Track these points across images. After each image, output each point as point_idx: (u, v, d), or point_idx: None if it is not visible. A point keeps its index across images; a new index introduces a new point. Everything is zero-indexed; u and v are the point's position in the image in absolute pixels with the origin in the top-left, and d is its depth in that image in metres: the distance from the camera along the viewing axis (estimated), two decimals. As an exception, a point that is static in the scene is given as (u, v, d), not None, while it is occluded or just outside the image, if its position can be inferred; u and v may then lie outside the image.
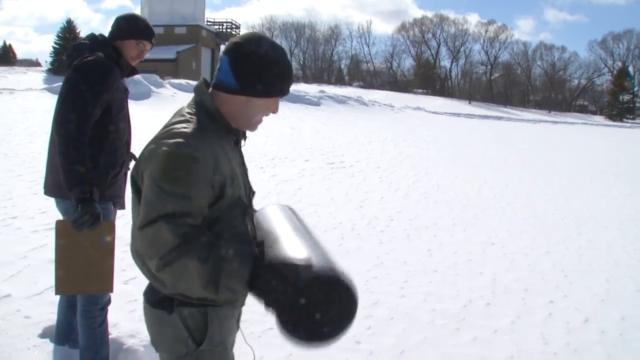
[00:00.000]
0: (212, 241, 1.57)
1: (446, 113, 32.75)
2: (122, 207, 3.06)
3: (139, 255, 1.68)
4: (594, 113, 74.46)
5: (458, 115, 32.69)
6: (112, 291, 2.88)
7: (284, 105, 20.90)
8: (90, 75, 2.70)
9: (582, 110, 76.41)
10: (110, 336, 3.22)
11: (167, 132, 1.62)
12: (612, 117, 61.91)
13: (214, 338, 1.74)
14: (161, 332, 1.77)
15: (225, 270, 1.55)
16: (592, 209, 8.81)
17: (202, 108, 1.71)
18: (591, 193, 10.35)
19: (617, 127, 37.05)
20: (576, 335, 4.07)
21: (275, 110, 1.78)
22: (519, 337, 3.97)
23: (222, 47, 1.60)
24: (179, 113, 1.73)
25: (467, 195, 9.07)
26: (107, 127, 2.81)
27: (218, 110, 1.70)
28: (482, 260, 5.74)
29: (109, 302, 3.05)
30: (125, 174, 3.05)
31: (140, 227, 1.56)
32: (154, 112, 15.87)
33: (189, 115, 1.68)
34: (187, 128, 1.61)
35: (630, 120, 59.31)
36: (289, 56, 1.82)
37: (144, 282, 3.72)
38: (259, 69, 1.68)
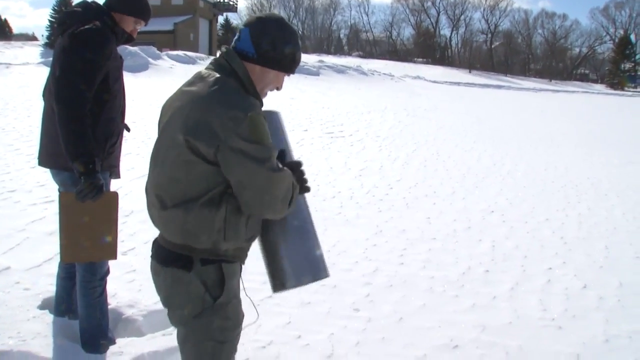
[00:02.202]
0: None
1: (446, 82, 32.57)
2: (118, 176, 3.04)
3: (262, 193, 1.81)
4: (595, 82, 73.99)
5: (458, 84, 32.51)
6: (116, 258, 2.90)
7: (282, 76, 20.71)
8: (93, 42, 2.65)
9: (583, 78, 75.98)
10: (109, 306, 3.23)
11: (230, 103, 1.79)
12: (613, 86, 61.52)
13: (230, 291, 1.94)
14: (177, 291, 1.92)
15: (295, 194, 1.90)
16: (592, 177, 8.78)
17: (232, 74, 1.90)
18: (591, 161, 10.32)
19: (618, 96, 36.83)
20: (575, 301, 4.08)
21: (280, 87, 2.01)
22: (517, 303, 3.98)
23: (238, 21, 1.72)
24: (215, 81, 1.86)
25: (466, 164, 9.05)
26: (103, 96, 2.77)
27: (249, 77, 1.91)
28: (481, 227, 5.73)
29: (107, 272, 3.05)
30: (121, 143, 3.03)
31: (272, 172, 1.78)
32: (152, 84, 15.79)
33: (228, 82, 1.87)
34: (246, 98, 1.84)
35: (631, 89, 58.93)
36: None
37: (142, 252, 3.72)
38: (276, 44, 1.91)
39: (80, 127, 2.56)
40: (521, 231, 5.71)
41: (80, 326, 3.05)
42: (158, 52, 21.70)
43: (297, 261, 2.03)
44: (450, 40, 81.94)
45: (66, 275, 3.17)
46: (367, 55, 72.03)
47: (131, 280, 3.93)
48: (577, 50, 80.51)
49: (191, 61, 22.65)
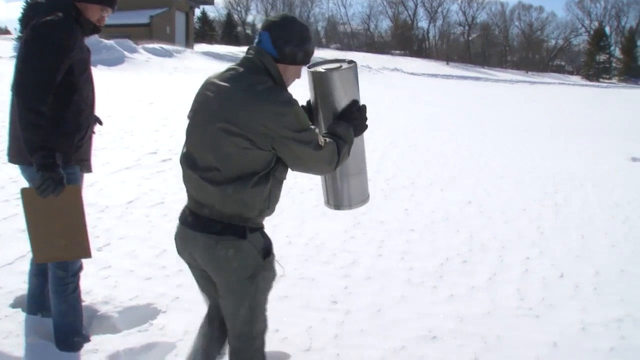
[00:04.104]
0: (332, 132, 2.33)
1: (424, 74, 32.66)
2: (89, 170, 2.98)
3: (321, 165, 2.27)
4: (570, 73, 74.60)
5: (436, 76, 32.63)
6: (90, 256, 2.81)
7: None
8: (52, 35, 2.57)
9: (559, 70, 76.50)
10: (83, 303, 3.19)
11: (276, 100, 2.14)
12: (588, 77, 62.09)
13: (270, 249, 2.35)
14: (235, 258, 2.22)
15: (349, 142, 2.35)
16: (568, 167, 8.88)
17: (266, 72, 2.23)
18: (567, 152, 10.44)
19: (594, 87, 37.20)
20: (552, 290, 4.11)
21: (299, 76, 2.39)
22: (495, 293, 4.00)
23: (259, 24, 2.22)
24: (257, 80, 2.18)
25: (444, 155, 9.08)
26: (70, 89, 2.70)
27: (279, 74, 2.27)
28: (459, 218, 5.76)
29: (80, 268, 3.00)
30: (91, 136, 2.97)
31: (316, 150, 2.19)
32: (128, 78, 15.60)
33: (267, 80, 2.21)
34: (284, 93, 2.20)
35: (606, 81, 59.59)
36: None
37: (117, 248, 3.67)
38: (294, 44, 2.25)
39: (37, 119, 2.48)
40: (499, 221, 5.74)
41: (53, 324, 2.99)
42: (134, 45, 21.42)
43: (354, 192, 2.68)
44: (428, 32, 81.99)
45: (38, 272, 3.11)
46: (345, 47, 71.93)
47: (106, 277, 3.89)
48: (553, 42, 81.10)
49: (168, 54, 22.40)
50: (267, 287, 2.37)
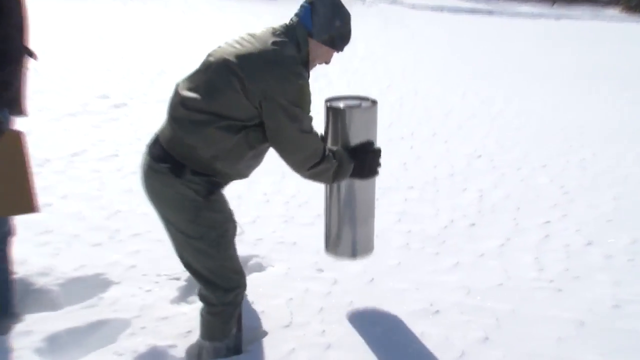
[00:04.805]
0: (332, 151, 2.72)
1: (427, 7, 32.33)
2: (22, 113, 2.88)
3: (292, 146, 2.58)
4: (607, 4, 73.94)
5: (441, 9, 32.32)
6: (37, 210, 2.79)
7: (232, -1, 20.43)
8: None
9: (593, 1, 75.97)
10: (16, 275, 3.14)
11: (290, 69, 2.49)
12: (630, 9, 61.01)
13: (219, 194, 2.65)
14: (156, 189, 2.57)
15: (343, 169, 2.73)
16: (599, 118, 8.79)
17: (296, 43, 2.58)
18: (597, 101, 10.33)
19: (636, 22, 36.91)
20: (577, 260, 4.09)
21: (328, 61, 2.75)
22: (508, 262, 4.00)
23: None
24: (284, 45, 2.53)
25: (449, 102, 9.02)
26: None
27: (307, 50, 2.62)
28: (466, 174, 5.74)
29: (9, 232, 2.93)
30: (23, 72, 2.86)
31: (301, 133, 2.53)
32: (72, 6, 15.30)
33: (293, 51, 2.56)
34: (301, 68, 2.55)
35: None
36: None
37: (59, 209, 3.66)
38: (331, 25, 2.61)
39: None
40: (513, 179, 5.72)
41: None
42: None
43: (360, 241, 3.06)
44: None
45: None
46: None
47: (45, 243, 3.84)
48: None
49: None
50: (221, 233, 2.63)
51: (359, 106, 2.86)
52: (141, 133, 6.13)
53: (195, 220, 2.55)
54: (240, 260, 2.81)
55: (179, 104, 2.58)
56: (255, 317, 3.20)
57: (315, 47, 2.64)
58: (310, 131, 2.58)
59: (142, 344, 2.93)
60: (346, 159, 2.74)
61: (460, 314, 3.33)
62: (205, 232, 2.57)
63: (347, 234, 3.01)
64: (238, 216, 2.88)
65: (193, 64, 2.74)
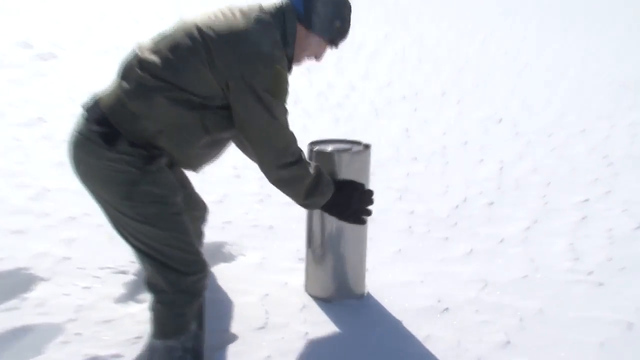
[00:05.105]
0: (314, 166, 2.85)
1: None
2: None
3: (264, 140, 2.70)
4: None
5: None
6: None
7: None
8: None
9: None
10: None
11: (268, 50, 2.59)
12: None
13: (160, 165, 2.65)
14: (81, 158, 2.61)
15: (320, 188, 2.86)
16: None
17: (281, 28, 2.70)
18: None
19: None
20: (623, 248, 4.10)
21: (319, 57, 2.89)
22: (536, 249, 4.03)
23: None
24: (267, 26, 2.65)
25: (463, 53, 9.03)
26: None
27: (294, 37, 2.74)
28: (483, 143, 5.79)
29: None
30: None
31: (272, 120, 2.63)
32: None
33: (277, 36, 2.66)
34: (281, 53, 2.66)
35: None
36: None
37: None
38: (325, 10, 2.72)
39: None
40: (543, 147, 5.78)
41: None
42: None
43: (352, 284, 3.35)
44: None
45: None
46: None
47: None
48: None
49: None
50: (163, 208, 2.67)
51: (348, 150, 3.04)
52: (74, 92, 6.09)
53: (131, 195, 2.59)
54: (205, 248, 2.83)
55: (135, 66, 2.64)
56: (222, 318, 3.19)
57: (305, 35, 2.77)
58: (285, 124, 2.70)
59: (78, 354, 2.89)
60: (327, 181, 2.89)
61: (475, 313, 3.34)
62: (143, 208, 2.62)
63: (336, 277, 3.30)
64: (202, 194, 2.91)
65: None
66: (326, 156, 3.01)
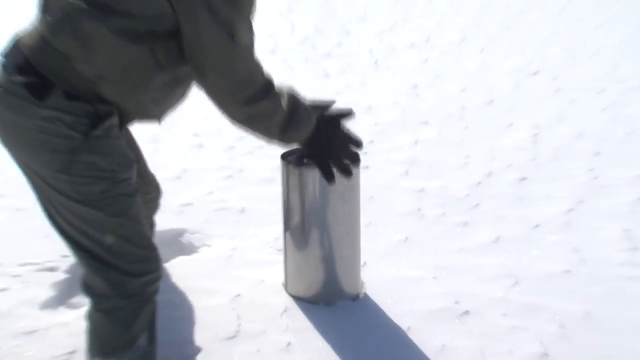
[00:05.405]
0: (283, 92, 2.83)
1: None
2: None
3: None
4: None
5: None
6: None
7: None
8: None
9: None
10: None
11: None
12: None
13: (110, 130, 2.57)
14: (8, 119, 2.51)
15: (297, 119, 2.85)
16: None
17: None
18: None
19: None
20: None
21: None
22: (580, 237, 4.01)
23: None
24: None
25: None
26: None
27: None
28: (513, 102, 5.79)
29: None
30: None
31: (230, 42, 2.54)
32: None
33: None
34: None
35: None
36: None
37: None
38: None
39: None
40: (591, 107, 5.79)
41: None
42: None
43: (344, 283, 3.36)
44: None
45: None
46: None
47: None
48: None
49: None
50: (111, 187, 2.60)
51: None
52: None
53: (70, 168, 2.50)
54: (158, 238, 2.81)
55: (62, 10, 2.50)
56: (181, 327, 3.18)
57: None
58: (249, 47, 2.64)
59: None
60: (305, 110, 2.89)
61: (503, 316, 3.33)
62: (84, 185, 2.53)
63: (328, 274, 3.30)
64: (154, 169, 2.90)
65: None
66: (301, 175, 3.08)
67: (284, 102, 2.78)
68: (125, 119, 2.70)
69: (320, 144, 2.96)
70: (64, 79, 2.46)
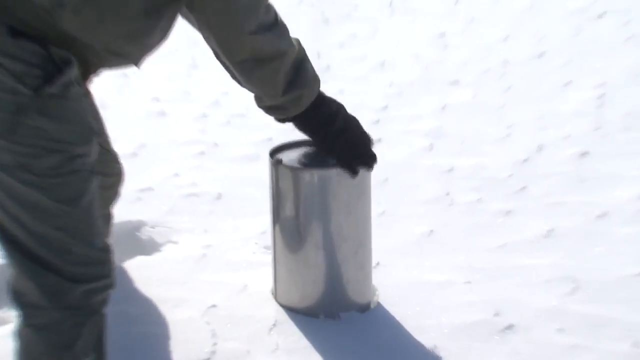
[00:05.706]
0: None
1: None
2: None
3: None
4: None
5: None
6: None
7: None
8: None
9: None
10: None
11: None
12: None
13: (68, 88, 2.53)
14: None
15: (304, 73, 3.00)
16: None
17: None
18: None
19: None
20: None
21: None
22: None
23: None
24: None
25: None
26: None
27: None
28: (572, 54, 5.78)
29: None
30: None
31: None
32: None
33: None
34: None
35: None
36: None
37: None
38: None
39: None
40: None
41: None
42: None
43: (353, 291, 3.36)
44: None
45: None
46: None
47: None
48: None
49: None
50: (65, 162, 2.56)
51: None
52: None
53: (11, 132, 2.44)
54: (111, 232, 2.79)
55: None
56: (141, 345, 3.18)
57: None
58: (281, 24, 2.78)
59: None
60: (313, 68, 3.04)
61: (558, 332, 3.31)
62: (29, 157, 2.48)
63: (334, 281, 3.30)
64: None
65: None
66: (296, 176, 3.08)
67: (295, 44, 2.88)
68: (90, 66, 2.69)
69: (342, 127, 3.03)
70: (8, 9, 2.42)
